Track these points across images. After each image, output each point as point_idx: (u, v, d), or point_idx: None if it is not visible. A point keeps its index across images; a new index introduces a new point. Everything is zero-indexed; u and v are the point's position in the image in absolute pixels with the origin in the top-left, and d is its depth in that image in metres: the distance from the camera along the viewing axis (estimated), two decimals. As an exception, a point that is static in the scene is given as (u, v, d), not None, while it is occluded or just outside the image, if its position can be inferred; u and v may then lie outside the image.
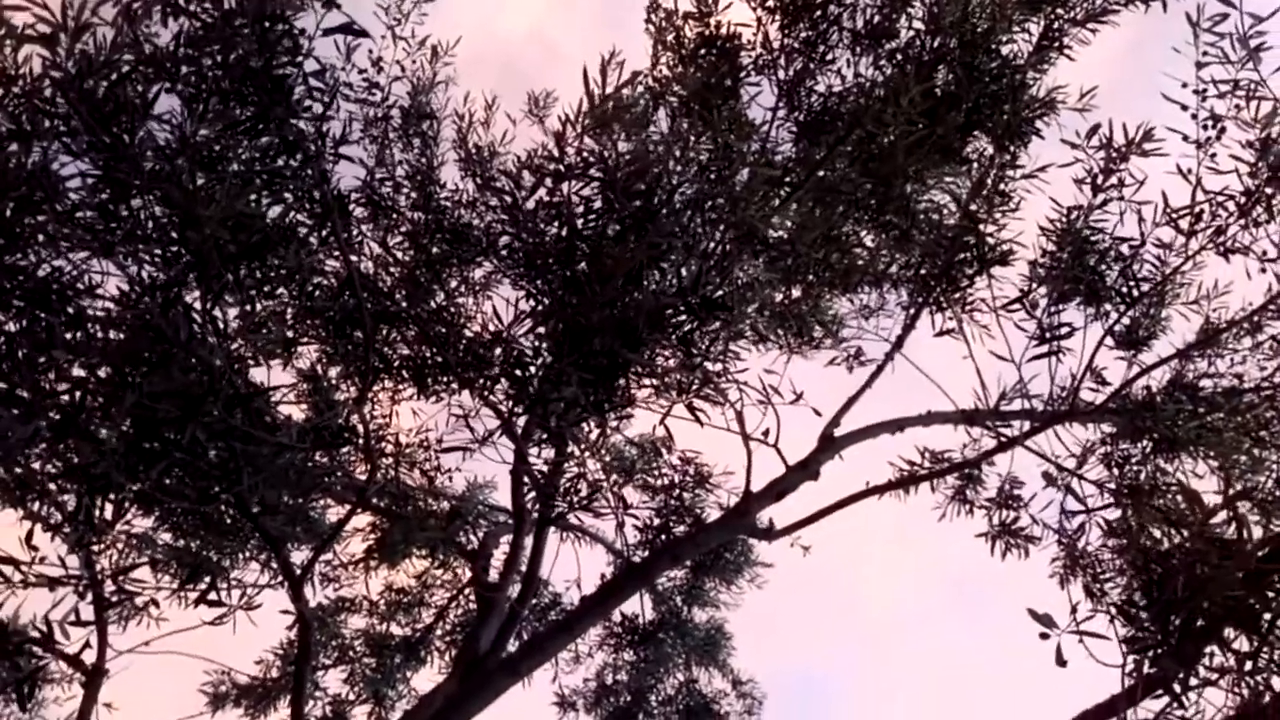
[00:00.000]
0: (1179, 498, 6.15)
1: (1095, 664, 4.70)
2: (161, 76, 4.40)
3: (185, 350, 4.50)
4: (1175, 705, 4.91)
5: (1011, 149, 7.45)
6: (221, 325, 4.84)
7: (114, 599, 6.15)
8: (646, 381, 6.37)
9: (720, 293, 6.21)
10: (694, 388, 6.47)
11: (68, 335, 4.58)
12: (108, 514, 4.77)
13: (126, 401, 4.34)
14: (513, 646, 7.62)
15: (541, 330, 5.79)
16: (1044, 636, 4.38)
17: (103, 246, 4.62)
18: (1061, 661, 4.36)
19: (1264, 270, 6.60)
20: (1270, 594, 4.31)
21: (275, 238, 5.07)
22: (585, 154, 5.22)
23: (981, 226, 7.55)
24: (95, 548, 5.43)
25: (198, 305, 4.75)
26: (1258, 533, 4.58)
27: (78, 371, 4.64)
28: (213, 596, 5.48)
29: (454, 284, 7.81)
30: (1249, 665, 4.46)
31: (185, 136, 4.52)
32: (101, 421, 4.60)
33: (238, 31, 4.34)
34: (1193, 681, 4.67)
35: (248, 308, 5.11)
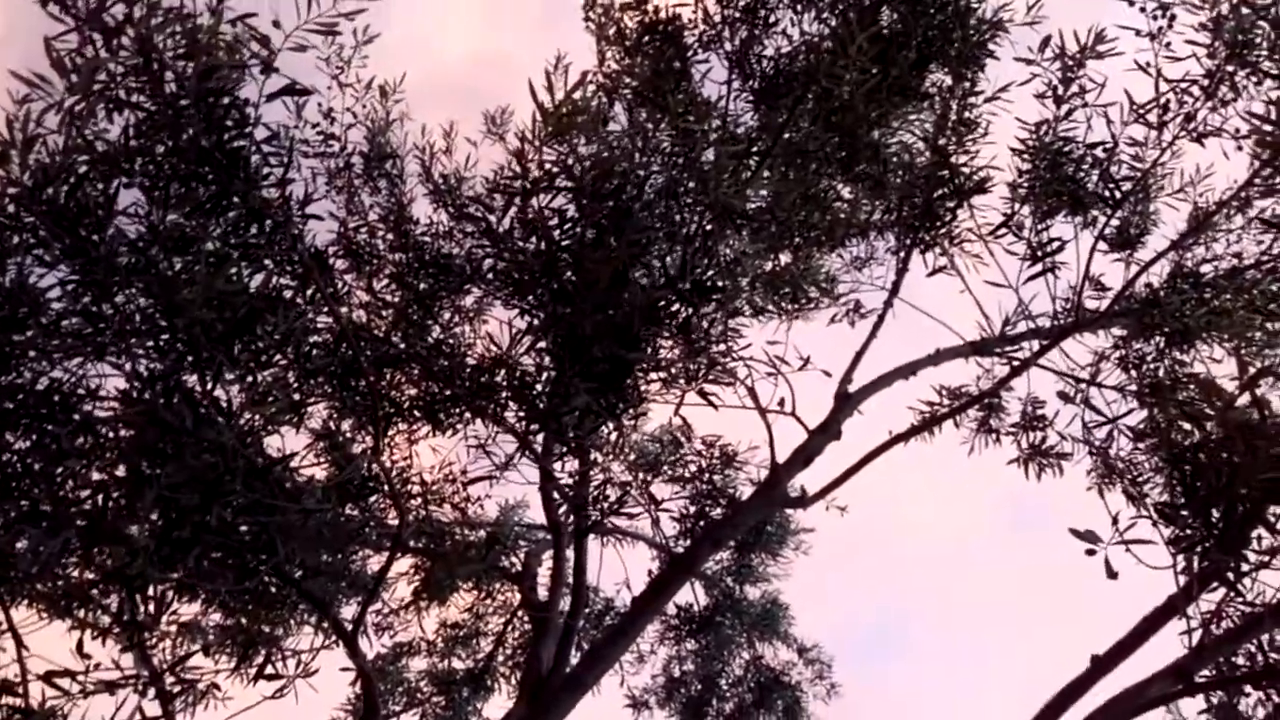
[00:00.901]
0: (1198, 391, 6.13)
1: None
2: (118, 171, 4.41)
3: (194, 436, 4.52)
4: (1233, 595, 4.91)
5: (969, 76, 7.41)
6: (225, 404, 4.86)
7: (175, 690, 6.18)
8: (654, 376, 6.37)
9: (709, 275, 6.21)
10: (701, 373, 6.48)
11: (78, 442, 4.61)
12: (152, 609, 4.80)
13: (148, 498, 4.36)
14: (575, 659, 7.64)
15: (541, 346, 5.79)
16: (1090, 553, 4.39)
17: (94, 350, 4.64)
18: (1112, 574, 4.36)
19: (1240, 148, 6.58)
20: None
21: (261, 307, 5.08)
22: (549, 166, 5.22)
23: (953, 158, 7.53)
24: (147, 643, 5.46)
25: (199, 388, 4.77)
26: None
27: (96, 476, 4.67)
28: (269, 670, 5.50)
29: (447, 315, 7.81)
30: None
31: (154, 226, 4.54)
32: (128, 521, 4.63)
33: (183, 114, 4.35)
34: (1244, 568, 4.68)
35: (249, 380, 5.12)
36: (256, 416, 5.29)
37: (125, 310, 4.71)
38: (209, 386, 4.75)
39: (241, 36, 4.59)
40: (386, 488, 6.71)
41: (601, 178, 5.18)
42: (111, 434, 4.69)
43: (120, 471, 4.68)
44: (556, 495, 7.57)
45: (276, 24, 4.43)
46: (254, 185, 4.67)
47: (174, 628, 6.74)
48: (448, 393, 7.18)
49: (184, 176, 4.60)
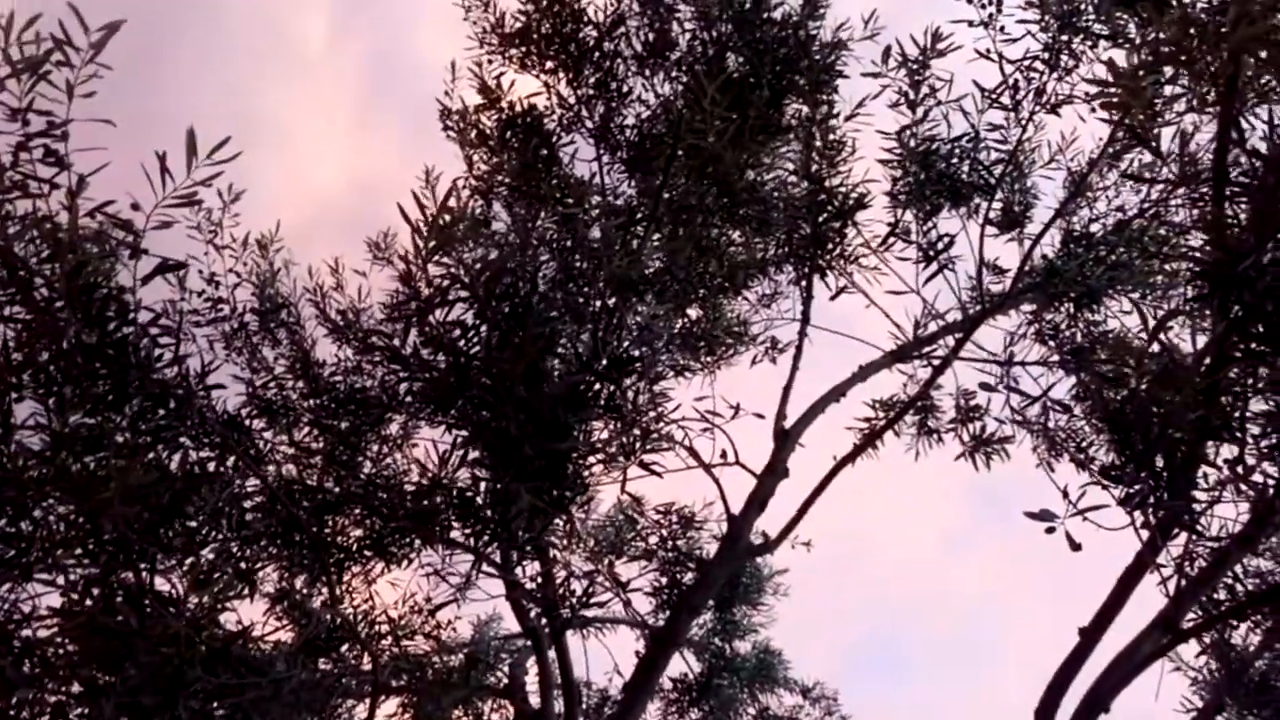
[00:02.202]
0: (1113, 354, 6.27)
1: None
2: (6, 387, 4.32)
3: (143, 634, 4.39)
4: (1195, 536, 4.98)
5: (824, 100, 7.57)
6: (170, 593, 4.74)
7: None
8: (591, 460, 6.34)
9: (623, 348, 6.23)
10: (638, 446, 6.46)
11: (24, 670, 4.46)
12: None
13: (107, 709, 4.22)
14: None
15: (473, 458, 5.74)
16: (1050, 530, 4.42)
17: (21, 571, 4.51)
18: (1075, 546, 4.39)
19: (1094, 110, 6.79)
20: (1226, 398, 4.41)
21: (184, 487, 4.98)
22: (438, 280, 5.22)
23: (828, 182, 7.66)
24: None
25: (137, 584, 4.65)
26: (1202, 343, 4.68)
27: (52, 699, 4.52)
28: None
29: (375, 449, 7.74)
30: (1240, 469, 4.55)
31: (57, 433, 4.45)
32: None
33: (60, 316, 4.28)
34: (1198, 507, 4.75)
35: (189, 563, 5.01)
36: (204, 598, 5.17)
37: (45, 522, 4.60)
38: (148, 581, 4.63)
39: (104, 226, 4.55)
40: (354, 635, 6.58)
41: (493, 280, 5.18)
42: (58, 651, 4.55)
43: (76, 689, 4.53)
44: (525, 601, 7.48)
45: (136, 206, 4.39)
46: (149, 370, 4.60)
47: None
48: (392, 526, 7.08)
49: (76, 377, 4.52)
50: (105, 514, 4.35)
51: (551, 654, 8.13)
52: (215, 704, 4.98)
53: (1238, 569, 6.47)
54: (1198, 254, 3.96)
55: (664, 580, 9.02)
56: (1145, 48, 3.96)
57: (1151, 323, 4.27)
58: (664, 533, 9.10)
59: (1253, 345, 4.15)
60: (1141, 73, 3.78)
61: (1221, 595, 6.44)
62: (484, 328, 5.42)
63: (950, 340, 8.10)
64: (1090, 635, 5.52)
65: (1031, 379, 8.18)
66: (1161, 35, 3.71)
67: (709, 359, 9.22)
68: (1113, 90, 3.70)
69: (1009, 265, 8.01)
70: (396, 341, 5.72)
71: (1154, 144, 4.02)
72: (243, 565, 6.90)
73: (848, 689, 11.01)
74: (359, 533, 7.37)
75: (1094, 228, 8.34)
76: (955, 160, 7.26)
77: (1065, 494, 4.43)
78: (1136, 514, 4.47)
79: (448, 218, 5.05)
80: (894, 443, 8.91)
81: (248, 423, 6.76)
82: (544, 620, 7.52)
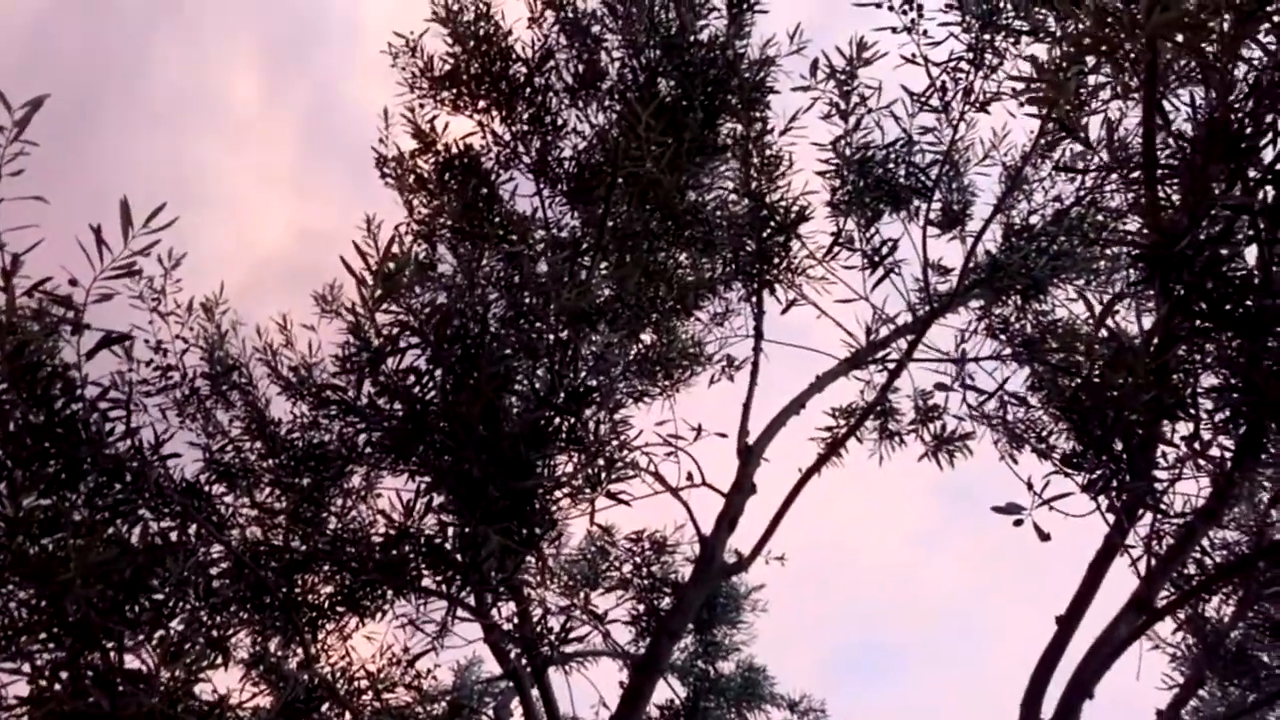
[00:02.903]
0: (1064, 343, 6.35)
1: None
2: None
3: (116, 716, 4.30)
4: (1160, 515, 5.04)
5: (757, 117, 7.62)
6: (140, 669, 4.65)
7: None
8: (557, 494, 6.32)
9: (580, 380, 6.22)
10: (603, 476, 6.44)
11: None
12: None
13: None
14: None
15: (438, 504, 5.70)
16: (1018, 523, 4.46)
17: (-14, 663, 4.41)
18: (1044, 536, 4.43)
19: (1021, 105, 6.87)
20: (1177, 377, 4.47)
21: (146, 561, 4.90)
22: (387, 329, 5.19)
23: (768, 198, 7.70)
24: None
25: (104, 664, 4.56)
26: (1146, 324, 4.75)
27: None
28: None
29: (339, 503, 7.67)
30: (1197, 445, 4.61)
31: (10, 518, 4.36)
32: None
33: (3, 400, 4.21)
34: (1160, 486, 4.81)
35: (157, 637, 4.92)
36: (177, 671, 5.08)
37: (6, 609, 4.51)
38: (117, 660, 4.54)
39: (43, 305, 4.49)
40: (333, 693, 6.48)
41: (443, 323, 5.16)
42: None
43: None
44: (504, 642, 7.42)
45: (74, 282, 4.33)
46: (101, 445, 4.53)
47: None
48: (362, 579, 7.00)
49: (26, 459, 4.45)
50: (67, 595, 4.28)
51: (535, 693, 8.07)
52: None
53: (1205, 543, 6.54)
54: (1135, 238, 4.01)
55: (641, 608, 8.99)
56: (1065, 41, 4.03)
57: (1098, 309, 4.33)
58: (637, 560, 9.07)
59: (1197, 323, 4.21)
60: (1064, 65, 3.83)
61: (1192, 570, 6.52)
62: (438, 372, 5.39)
63: (903, 343, 8.16)
64: (1067, 623, 5.56)
65: (986, 374, 8.27)
66: (1080, 27, 3.77)
67: (667, 382, 9.23)
68: (1037, 85, 3.75)
69: (953, 264, 8.10)
70: (351, 393, 5.68)
71: (1083, 134, 4.07)
72: (214, 633, 6.81)
73: (830, 695, 11.03)
74: (329, 589, 7.29)
75: (1033, 220, 8.45)
76: (891, 165, 7.33)
77: (1030, 485, 4.47)
78: (1101, 499, 4.51)
79: (392, 265, 5.02)
80: (857, 450, 8.95)
81: (207, 489, 6.68)
82: (524, 660, 7.46)
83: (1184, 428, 4.53)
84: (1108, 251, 8.28)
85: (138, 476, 4.83)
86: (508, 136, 7.85)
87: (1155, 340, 4.21)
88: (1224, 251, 3.97)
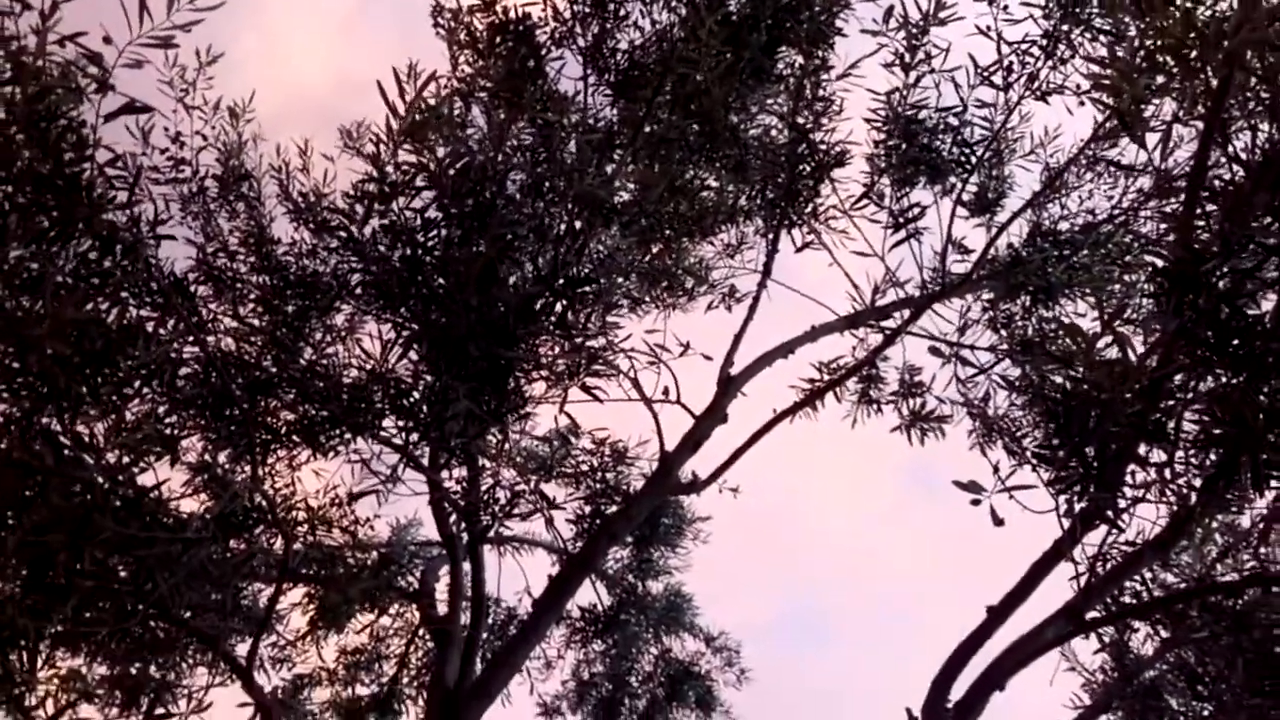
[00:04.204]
0: (1065, 338, 6.33)
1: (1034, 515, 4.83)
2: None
3: (59, 474, 4.32)
4: (1114, 531, 5.06)
5: (820, 54, 7.50)
6: (90, 439, 4.66)
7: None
8: (535, 375, 6.32)
9: (584, 270, 6.19)
10: (582, 368, 6.44)
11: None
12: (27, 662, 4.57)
13: (10, 545, 4.15)
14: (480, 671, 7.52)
15: (415, 353, 5.69)
16: (975, 503, 4.47)
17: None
18: (998, 521, 4.44)
19: (1082, 104, 6.79)
20: (1169, 401, 4.46)
21: (120, 339, 4.88)
22: (406, 168, 5.13)
23: (811, 135, 7.61)
24: (25, 699, 5.20)
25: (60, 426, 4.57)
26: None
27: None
28: (159, 711, 5.30)
29: (319, 336, 7.64)
30: (1167, 473, 4.61)
31: (-6, 262, 4.33)
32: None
33: (14, 140, 4.16)
34: (1122, 504, 4.82)
35: (114, 415, 4.92)
36: (124, 450, 5.10)
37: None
38: (70, 422, 4.54)
39: (74, 59, 4.42)
40: (270, 516, 6.52)
41: (461, 175, 5.11)
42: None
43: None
44: (447, 505, 7.46)
45: (108, 40, 4.26)
46: (99, 209, 4.48)
47: (55, 681, 6.43)
48: (325, 413, 7.00)
49: (23, 206, 4.40)
50: (35, 350, 4.26)
51: (465, 565, 8.14)
52: (120, 558, 4.93)
53: (1147, 575, 6.59)
54: (1163, 250, 3.98)
55: (588, 509, 9.05)
56: (1144, 39, 3.95)
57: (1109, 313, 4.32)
58: (595, 463, 9.11)
59: (1199, 352, 4.19)
60: (1139, 62, 3.77)
61: (1127, 599, 6.57)
62: (445, 224, 5.35)
63: (906, 314, 8.13)
64: (997, 615, 5.62)
65: (977, 365, 8.25)
66: (1162, 26, 3.70)
67: (667, 296, 9.21)
68: (1109, 74, 3.69)
69: (975, 247, 8.05)
70: (355, 228, 5.64)
71: (1139, 134, 4.01)
72: (168, 431, 6.82)
73: (755, 643, 11.15)
74: (290, 417, 7.29)
75: (1062, 225, 8.39)
76: (939, 133, 7.23)
77: (996, 469, 4.48)
78: (1063, 499, 4.52)
79: (425, 104, 4.97)
80: (833, 415, 8.97)
81: (193, 289, 6.66)
82: (463, 527, 7.51)
83: (1160, 455, 4.54)
84: (1126, 276, 8.25)
85: (129, 251, 4.79)
86: (568, 14, 7.71)
87: (1155, 358, 4.19)
88: (1247, 286, 3.95)
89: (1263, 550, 6.40)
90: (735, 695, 10.79)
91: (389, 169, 5.09)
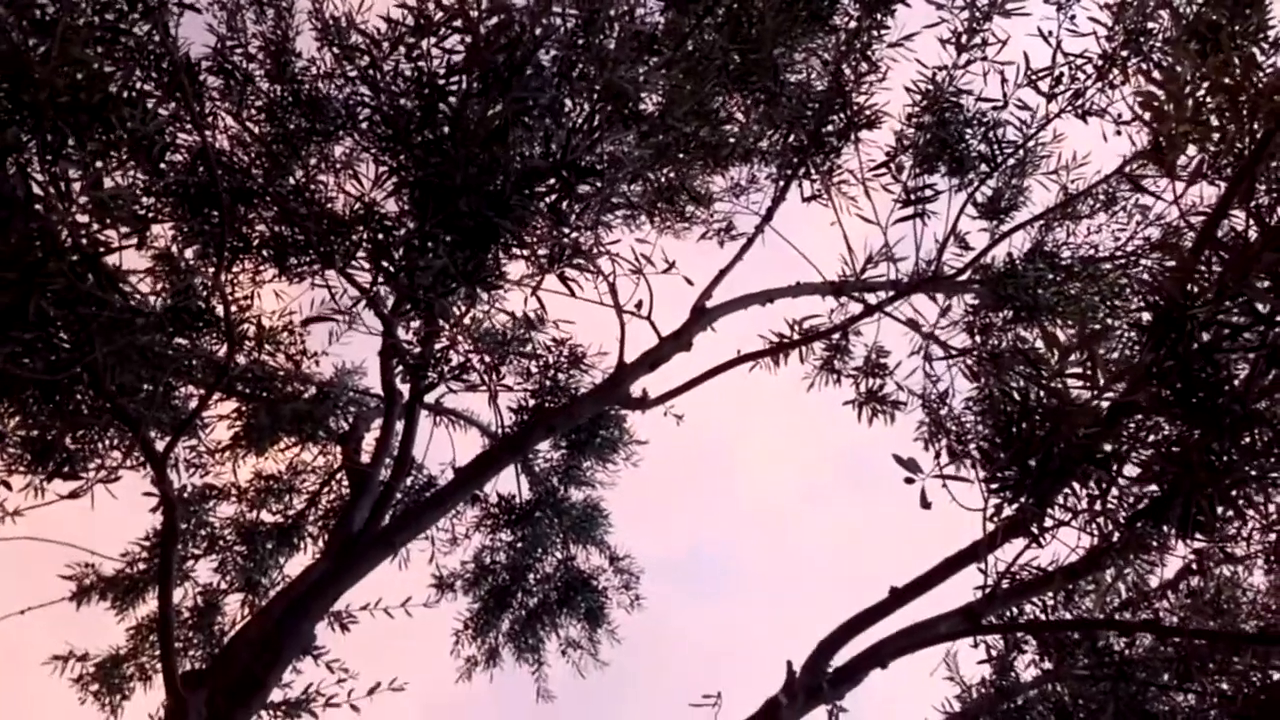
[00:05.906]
0: (1039, 343, 6.36)
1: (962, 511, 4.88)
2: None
3: (24, 212, 4.25)
4: (1033, 546, 5.13)
5: (879, 17, 7.40)
6: (64, 187, 4.58)
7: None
8: (516, 252, 6.26)
9: (590, 160, 6.12)
10: (565, 257, 6.40)
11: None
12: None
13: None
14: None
15: (405, 194, 5.62)
16: (909, 481, 4.50)
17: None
18: (926, 504, 4.48)
19: (1119, 133, 6.77)
20: (1122, 434, 4.50)
21: (120, 100, 4.78)
22: (445, 7, 5.04)
23: (849, 93, 7.54)
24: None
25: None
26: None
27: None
28: (67, 469, 5.28)
29: (314, 161, 7.53)
30: (1098, 505, 4.67)
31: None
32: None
33: None
34: (1047, 523, 4.87)
35: (94, 169, 4.83)
36: (95, 210, 5.00)
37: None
38: (47, 163, 4.45)
39: None
40: (222, 322, 6.46)
41: (498, 29, 5.02)
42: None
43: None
44: (397, 356, 7.43)
45: None
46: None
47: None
48: (300, 237, 6.93)
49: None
50: (31, 85, 4.16)
51: (399, 423, 8.14)
52: (67, 314, 4.88)
53: (1048, 601, 6.69)
54: (1158, 282, 3.99)
55: (531, 403, 9.03)
56: (1202, 76, 3.92)
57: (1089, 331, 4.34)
58: (551, 359, 9.08)
59: (1164, 393, 4.21)
60: (1189, 90, 3.75)
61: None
62: (468, 73, 5.26)
63: (889, 294, 8.14)
64: (899, 597, 5.71)
65: (952, 350, 8.31)
66: (1223, 62, 3.67)
67: (663, 213, 9.16)
68: (1159, 94, 3.67)
69: (975, 246, 8.06)
70: (378, 54, 5.55)
71: (1170, 160, 4.00)
72: (142, 210, 6.72)
73: (656, 582, 11.26)
74: (265, 231, 7.20)
75: (1065, 251, 8.42)
76: (972, 123, 7.20)
77: (937, 455, 4.51)
78: (994, 500, 4.55)
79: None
80: (792, 376, 8.98)
81: (202, 76, 6.55)
82: (405, 381, 7.49)
83: (1098, 485, 4.59)
84: (1108, 321, 8.30)
85: (149, 13, 4.68)
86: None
87: (1122, 385, 4.21)
88: (1230, 343, 3.97)
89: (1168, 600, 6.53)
90: (625, 620, 10.94)
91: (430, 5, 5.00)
